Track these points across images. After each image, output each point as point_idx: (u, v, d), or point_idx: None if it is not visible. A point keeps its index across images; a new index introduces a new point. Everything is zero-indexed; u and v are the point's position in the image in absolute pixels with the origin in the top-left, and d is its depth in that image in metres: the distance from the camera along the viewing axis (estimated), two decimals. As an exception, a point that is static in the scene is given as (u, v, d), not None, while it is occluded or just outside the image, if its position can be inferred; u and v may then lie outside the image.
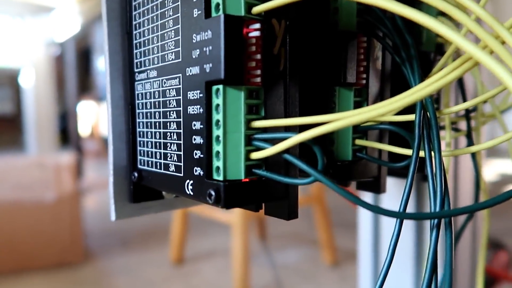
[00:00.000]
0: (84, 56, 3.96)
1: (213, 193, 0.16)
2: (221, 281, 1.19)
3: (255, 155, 0.17)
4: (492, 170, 2.42)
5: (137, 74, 0.21)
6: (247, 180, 0.17)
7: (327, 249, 1.31)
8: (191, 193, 0.17)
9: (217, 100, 0.16)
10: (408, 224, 0.35)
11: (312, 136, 0.15)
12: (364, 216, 0.41)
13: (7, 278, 1.20)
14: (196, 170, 0.17)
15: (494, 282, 0.63)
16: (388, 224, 0.39)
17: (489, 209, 0.26)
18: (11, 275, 1.21)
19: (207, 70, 0.16)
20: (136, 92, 0.21)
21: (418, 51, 0.20)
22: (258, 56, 0.16)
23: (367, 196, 0.38)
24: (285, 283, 1.17)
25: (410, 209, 0.35)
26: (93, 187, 2.36)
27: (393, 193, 0.34)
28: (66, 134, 2.75)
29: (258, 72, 0.17)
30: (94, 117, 3.82)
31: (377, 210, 0.15)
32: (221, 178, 0.16)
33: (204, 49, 0.16)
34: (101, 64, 3.50)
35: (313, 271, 1.26)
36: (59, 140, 2.39)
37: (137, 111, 0.21)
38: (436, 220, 0.16)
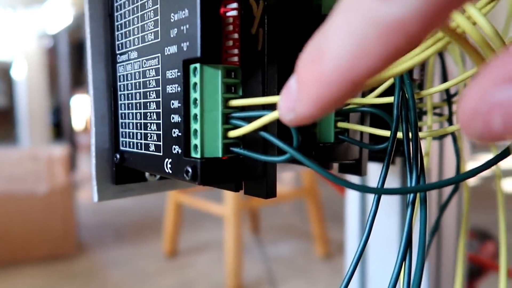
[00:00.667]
0: (78, 50, 3.93)
1: (190, 170, 0.16)
2: (214, 273, 1.19)
3: (232, 133, 0.17)
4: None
5: (118, 56, 0.21)
6: (224, 158, 0.17)
7: (320, 242, 1.31)
8: (170, 172, 0.18)
9: (194, 79, 0.16)
10: (393, 207, 0.36)
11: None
12: (351, 208, 0.41)
13: (-1, 270, 1.19)
14: (174, 149, 0.17)
15: (481, 271, 0.64)
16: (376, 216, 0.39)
17: (469, 197, 0.27)
18: (3, 267, 1.21)
19: (185, 49, 0.16)
20: (118, 74, 0.21)
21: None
22: (236, 36, 0.17)
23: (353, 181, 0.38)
24: (278, 276, 1.18)
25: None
26: (86, 181, 2.35)
27: (376, 179, 0.34)
28: (60, 128, 2.74)
29: (236, 51, 0.17)
30: (88, 111, 3.80)
31: (352, 186, 0.16)
32: (198, 155, 0.16)
33: (182, 27, 0.16)
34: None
35: (306, 264, 1.27)
36: (52, 134, 2.38)
37: (119, 93, 0.21)
38: (412, 196, 0.16)
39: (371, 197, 0.40)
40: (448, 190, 0.35)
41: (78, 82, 3.65)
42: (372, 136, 0.24)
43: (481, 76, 0.08)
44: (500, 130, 0.07)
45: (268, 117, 0.16)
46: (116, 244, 1.42)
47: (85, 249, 1.37)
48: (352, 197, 0.41)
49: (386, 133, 0.21)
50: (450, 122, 0.25)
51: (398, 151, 0.26)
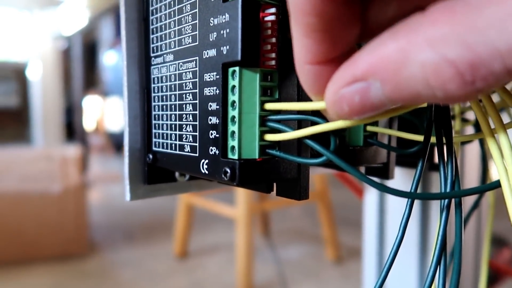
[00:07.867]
0: (90, 51, 3.97)
1: (228, 170, 0.16)
2: (225, 276, 1.20)
3: (270, 137, 0.17)
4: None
5: (153, 58, 0.22)
6: (260, 159, 0.17)
7: (330, 246, 1.31)
8: (206, 172, 0.18)
9: (233, 82, 0.17)
10: (413, 215, 0.36)
11: (336, 128, 0.15)
12: (369, 213, 0.41)
13: (12, 267, 1.21)
14: (211, 150, 0.18)
15: (497, 279, 0.63)
16: (393, 221, 0.39)
17: (494, 201, 0.27)
18: (16, 265, 1.22)
19: (224, 52, 0.17)
20: (152, 76, 0.22)
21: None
22: (273, 40, 0.17)
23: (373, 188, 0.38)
24: (288, 279, 1.18)
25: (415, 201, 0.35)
26: (97, 181, 2.37)
27: (398, 183, 0.34)
28: (72, 128, 2.77)
29: (273, 55, 0.17)
30: (99, 112, 3.83)
31: (387, 190, 0.16)
32: (236, 157, 0.17)
33: (222, 32, 0.17)
34: (107, 59, 3.51)
35: (316, 267, 1.27)
36: (64, 134, 2.41)
37: (153, 94, 0.22)
38: (446, 202, 0.16)
39: (389, 202, 0.40)
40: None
41: (90, 83, 3.68)
42: (398, 140, 0.24)
43: (336, 77, 0.12)
44: (348, 112, 0.12)
45: (315, 129, 0.16)
46: (127, 245, 1.43)
47: (96, 249, 1.38)
48: (370, 201, 0.41)
49: (415, 136, 0.21)
50: (476, 126, 0.25)
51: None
